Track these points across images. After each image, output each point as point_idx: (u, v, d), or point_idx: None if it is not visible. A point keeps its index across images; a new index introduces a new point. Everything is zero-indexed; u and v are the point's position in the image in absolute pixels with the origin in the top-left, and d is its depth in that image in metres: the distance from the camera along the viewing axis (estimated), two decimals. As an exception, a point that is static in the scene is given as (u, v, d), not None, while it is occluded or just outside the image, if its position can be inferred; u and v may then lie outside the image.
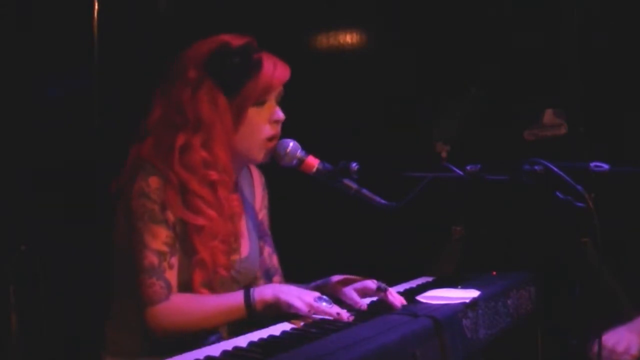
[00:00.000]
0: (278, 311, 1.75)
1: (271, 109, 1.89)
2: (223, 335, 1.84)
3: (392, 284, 2.18)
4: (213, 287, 1.82)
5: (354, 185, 1.86)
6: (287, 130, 1.93)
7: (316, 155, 1.91)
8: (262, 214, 2.15)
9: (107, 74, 2.92)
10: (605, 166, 1.71)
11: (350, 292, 1.93)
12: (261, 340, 1.58)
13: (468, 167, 1.81)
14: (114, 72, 2.93)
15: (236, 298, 1.76)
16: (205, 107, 1.81)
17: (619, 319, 2.35)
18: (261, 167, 2.12)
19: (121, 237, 1.83)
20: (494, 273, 2.41)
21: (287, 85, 1.92)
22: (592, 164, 1.71)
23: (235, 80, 1.83)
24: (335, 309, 1.73)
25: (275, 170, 1.97)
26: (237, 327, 1.82)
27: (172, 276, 1.76)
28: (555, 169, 1.66)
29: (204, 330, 1.78)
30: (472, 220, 2.91)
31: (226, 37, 1.87)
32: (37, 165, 2.70)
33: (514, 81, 2.90)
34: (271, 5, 3.18)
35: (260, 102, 1.86)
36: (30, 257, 2.58)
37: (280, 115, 1.90)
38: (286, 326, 1.69)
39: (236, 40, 1.86)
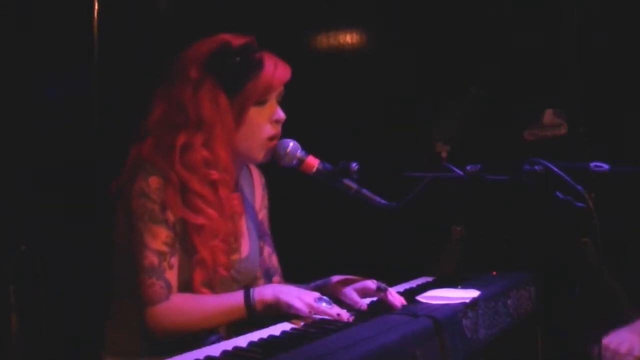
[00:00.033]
0: (278, 311, 1.75)
1: (272, 109, 1.89)
2: (223, 335, 1.84)
3: (392, 284, 2.18)
4: (213, 287, 1.82)
5: (354, 185, 1.86)
6: (287, 130, 1.93)
7: (316, 155, 1.91)
8: (262, 214, 2.15)
9: (107, 74, 2.92)
10: (605, 166, 1.71)
11: (350, 292, 1.93)
12: (261, 340, 1.58)
13: (468, 167, 1.81)
14: (114, 72, 2.93)
15: (236, 298, 1.76)
16: (207, 106, 1.82)
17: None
18: (261, 167, 2.13)
19: (121, 237, 1.83)
20: (494, 273, 2.41)
21: (288, 85, 1.92)
22: (592, 164, 1.71)
23: (236, 80, 1.83)
24: (335, 310, 1.73)
25: (275, 170, 1.97)
26: (237, 327, 1.83)
27: (172, 276, 1.76)
28: (555, 169, 1.66)
29: (204, 330, 1.78)
30: (472, 220, 2.91)
31: (227, 37, 1.87)
32: (37, 165, 2.70)
33: (514, 81, 2.90)
34: (271, 5, 3.18)
35: (261, 102, 1.87)
36: (30, 257, 2.58)
37: (281, 115, 1.90)
38: (286, 326, 1.69)
39: (237, 40, 1.86)
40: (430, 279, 2.43)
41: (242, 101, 1.84)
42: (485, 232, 2.87)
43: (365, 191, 1.85)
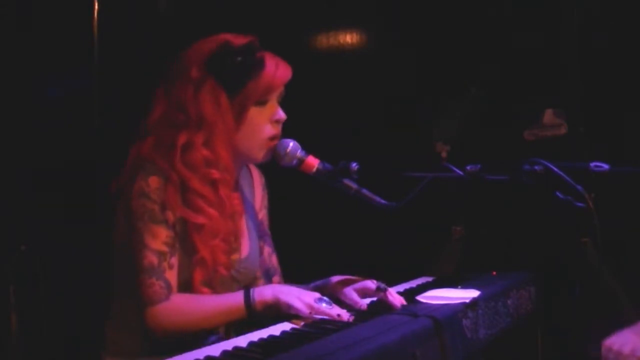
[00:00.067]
0: (278, 312, 1.75)
1: (273, 109, 1.89)
2: (223, 335, 1.84)
3: (392, 284, 2.18)
4: (213, 286, 1.82)
5: (354, 185, 1.86)
6: (287, 130, 1.93)
7: (316, 155, 1.91)
8: (262, 214, 2.15)
9: (107, 74, 2.92)
10: (605, 166, 1.71)
11: (350, 292, 1.93)
12: (261, 340, 1.58)
13: (468, 167, 1.81)
14: (114, 72, 2.93)
15: (236, 298, 1.76)
16: (208, 105, 1.82)
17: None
18: (261, 167, 2.13)
19: (121, 237, 1.83)
20: (494, 273, 2.41)
21: (288, 85, 1.92)
22: (592, 164, 1.71)
23: (237, 80, 1.83)
24: (335, 310, 1.73)
25: (275, 170, 1.97)
26: (237, 327, 1.83)
27: (172, 276, 1.76)
28: (555, 169, 1.66)
29: (204, 330, 1.78)
30: (472, 220, 2.91)
31: (228, 36, 1.87)
32: (37, 165, 2.70)
33: (514, 81, 2.90)
34: (271, 5, 3.18)
35: (262, 102, 1.86)
36: (30, 257, 2.58)
37: (281, 115, 1.90)
38: (286, 326, 1.69)
39: (238, 40, 1.86)
40: (430, 279, 2.43)
41: (242, 101, 1.84)
42: (485, 232, 2.88)
43: (365, 191, 1.85)
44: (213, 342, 1.68)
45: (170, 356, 1.46)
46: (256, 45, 1.88)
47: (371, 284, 1.92)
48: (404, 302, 1.88)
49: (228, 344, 1.54)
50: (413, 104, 3.08)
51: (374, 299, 1.93)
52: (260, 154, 1.90)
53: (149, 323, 1.73)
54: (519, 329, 2.28)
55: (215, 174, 1.82)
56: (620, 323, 2.24)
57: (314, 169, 1.89)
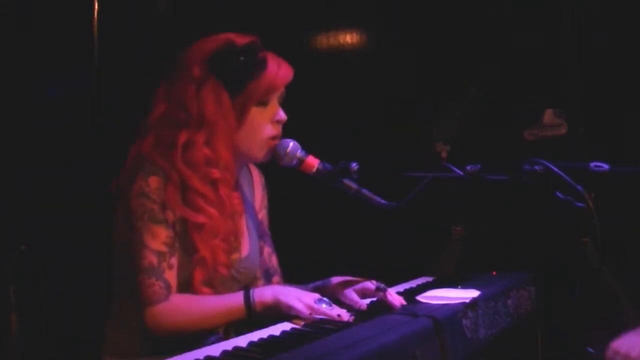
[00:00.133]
0: (278, 312, 1.75)
1: (274, 110, 1.89)
2: (223, 336, 1.84)
3: (392, 284, 2.19)
4: (214, 286, 1.82)
5: (354, 185, 1.86)
6: (287, 130, 1.93)
7: (316, 155, 1.91)
8: (262, 214, 2.15)
9: (107, 74, 2.92)
10: (605, 166, 1.71)
11: (349, 292, 1.93)
12: (261, 340, 1.58)
13: (468, 167, 1.81)
14: (114, 72, 2.93)
15: (236, 299, 1.76)
16: (209, 104, 1.81)
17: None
18: (261, 167, 2.13)
19: (121, 237, 1.83)
20: (494, 273, 2.41)
21: (288, 85, 1.92)
22: (592, 164, 1.71)
23: (239, 79, 1.83)
24: (335, 311, 1.73)
25: (275, 170, 1.97)
26: (237, 327, 1.83)
27: (171, 276, 1.76)
28: (555, 169, 1.66)
29: (204, 331, 1.78)
30: (472, 220, 2.91)
31: (231, 36, 1.87)
32: (37, 165, 2.70)
33: (514, 81, 2.90)
34: (271, 5, 3.18)
35: (263, 102, 1.86)
36: (30, 257, 2.58)
37: (282, 116, 1.90)
38: (286, 326, 1.69)
39: (241, 39, 1.86)
40: (430, 279, 2.43)
41: (244, 100, 1.84)
42: (485, 232, 2.87)
43: (365, 191, 1.85)
44: (213, 342, 1.68)
45: (170, 356, 1.46)
46: (258, 45, 1.88)
47: (370, 284, 1.92)
48: (404, 302, 1.88)
49: (228, 344, 1.54)
50: (413, 104, 3.08)
51: (374, 299, 1.93)
52: (260, 154, 1.90)
53: (149, 323, 1.73)
54: (519, 329, 2.28)
55: (216, 173, 1.82)
56: (620, 323, 2.24)
57: (314, 169, 1.89)
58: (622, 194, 2.35)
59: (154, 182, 1.77)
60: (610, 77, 2.70)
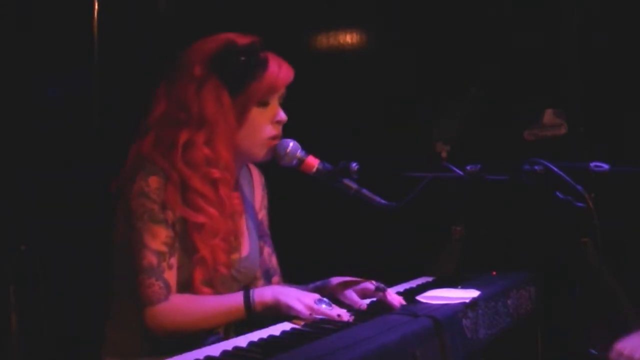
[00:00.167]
0: (278, 313, 1.75)
1: (274, 110, 1.89)
2: (223, 336, 1.84)
3: (392, 284, 2.19)
4: (214, 286, 1.82)
5: (354, 185, 1.86)
6: (287, 130, 1.93)
7: (316, 155, 1.91)
8: (262, 214, 2.15)
9: (107, 74, 2.92)
10: (605, 166, 1.71)
11: (349, 292, 1.93)
12: (261, 340, 1.58)
13: (468, 167, 1.81)
14: (114, 72, 2.93)
15: (236, 299, 1.76)
16: (210, 104, 1.81)
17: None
18: (261, 167, 2.13)
19: (121, 237, 1.83)
20: (494, 273, 2.41)
21: (288, 85, 1.92)
22: (592, 164, 1.71)
23: (240, 79, 1.82)
24: (335, 311, 1.73)
25: (275, 170, 1.97)
26: (237, 327, 1.83)
27: (171, 276, 1.76)
28: (555, 169, 1.66)
29: (204, 331, 1.78)
30: (472, 220, 2.91)
31: (232, 36, 1.87)
32: (37, 165, 2.70)
33: (514, 81, 2.90)
34: (271, 5, 3.18)
35: (263, 103, 1.86)
36: (30, 257, 2.58)
37: (282, 116, 1.90)
38: (286, 326, 1.69)
39: (242, 39, 1.86)
40: (430, 279, 2.43)
41: (244, 101, 1.84)
42: (485, 232, 2.87)
43: (365, 191, 1.85)
44: (212, 343, 1.68)
45: (170, 356, 1.46)
46: (259, 45, 1.88)
47: (370, 284, 1.92)
48: (403, 302, 1.88)
49: (228, 344, 1.54)
50: (413, 104, 3.08)
51: (374, 299, 1.93)
52: (261, 153, 1.90)
53: (148, 323, 1.73)
54: (519, 329, 2.28)
55: (216, 173, 1.82)
56: (620, 323, 2.24)
57: (314, 169, 1.89)
58: (622, 194, 2.35)
59: (154, 182, 1.76)
60: (610, 77, 2.70)
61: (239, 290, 1.86)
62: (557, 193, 1.69)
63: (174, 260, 1.77)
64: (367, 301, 1.91)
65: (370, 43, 3.33)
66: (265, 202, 2.17)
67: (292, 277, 2.16)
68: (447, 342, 1.68)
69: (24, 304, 2.52)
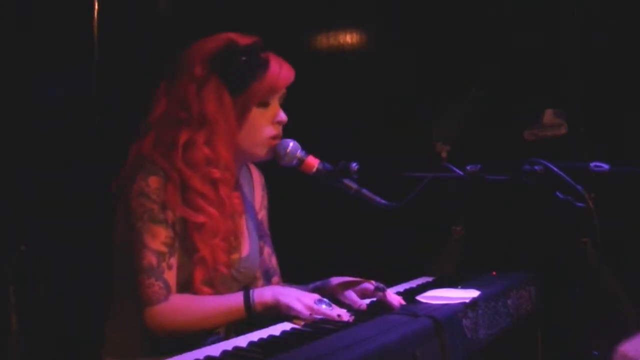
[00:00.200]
0: (278, 313, 1.75)
1: (274, 111, 1.89)
2: (223, 336, 1.84)
3: (392, 284, 2.19)
4: (214, 285, 1.82)
5: (354, 185, 1.86)
6: (287, 130, 1.93)
7: (316, 155, 1.91)
8: (262, 214, 2.15)
9: (107, 74, 2.92)
10: (605, 166, 1.71)
11: (349, 292, 1.93)
12: (261, 340, 1.58)
13: (468, 167, 1.81)
14: (114, 72, 2.93)
15: (235, 299, 1.76)
16: (211, 104, 1.81)
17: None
18: (261, 167, 2.13)
19: (121, 237, 1.83)
20: (494, 273, 2.41)
21: (288, 86, 1.92)
22: (592, 164, 1.71)
23: (241, 79, 1.82)
24: (335, 311, 1.73)
25: (275, 170, 1.97)
26: (237, 327, 1.82)
27: (171, 277, 1.76)
28: (555, 169, 1.66)
29: (204, 331, 1.78)
30: (472, 220, 2.91)
31: (233, 36, 1.86)
32: (37, 165, 2.70)
33: (514, 81, 2.90)
34: (271, 5, 3.18)
35: (264, 103, 1.86)
36: (30, 257, 2.58)
37: (283, 117, 1.90)
38: (286, 326, 1.69)
39: (243, 39, 1.86)
40: (430, 279, 2.43)
41: (245, 101, 1.84)
42: (485, 232, 2.87)
43: (365, 191, 1.85)
44: (212, 343, 1.68)
45: (170, 356, 1.46)
46: (261, 45, 1.87)
47: (370, 284, 1.92)
48: (403, 302, 1.88)
49: (228, 344, 1.54)
50: (413, 104, 3.08)
51: (373, 299, 1.93)
52: (262, 152, 1.90)
53: (148, 323, 1.73)
54: (519, 329, 2.28)
55: (216, 173, 1.82)
56: (620, 323, 2.24)
57: (314, 169, 1.89)
58: (622, 194, 2.35)
59: (153, 182, 1.76)
60: (610, 77, 2.70)
61: (239, 290, 1.86)
62: (557, 193, 1.69)
63: (173, 261, 1.77)
64: (367, 301, 1.91)
65: (370, 43, 3.33)
66: (265, 202, 2.17)
67: (292, 277, 2.16)
68: (447, 342, 1.68)
69: (24, 304, 2.52)
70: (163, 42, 2.96)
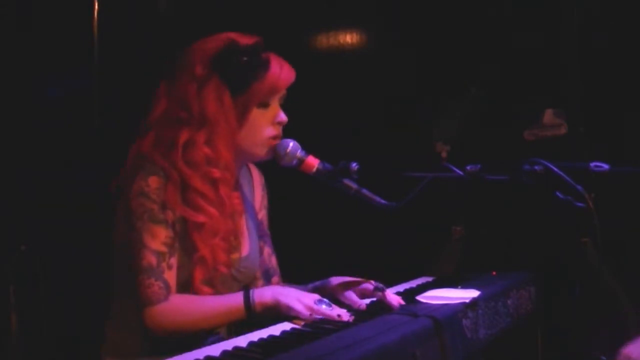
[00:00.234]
0: (278, 313, 1.75)
1: (275, 112, 1.89)
2: (223, 336, 1.84)
3: (392, 284, 2.19)
4: (214, 285, 1.82)
5: (354, 185, 1.86)
6: (288, 130, 1.93)
7: (316, 155, 1.91)
8: (262, 214, 2.15)
9: (107, 74, 2.92)
10: (605, 166, 1.71)
11: (349, 292, 1.93)
12: (261, 340, 1.58)
13: (468, 167, 1.81)
14: (114, 72, 2.93)
15: (235, 300, 1.76)
16: (211, 103, 1.81)
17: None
18: (261, 167, 2.13)
19: (121, 237, 1.83)
20: (494, 273, 2.41)
21: (288, 86, 1.92)
22: (592, 164, 1.71)
23: (242, 80, 1.82)
24: (335, 311, 1.73)
25: (275, 170, 1.97)
26: (237, 327, 1.82)
27: (171, 277, 1.76)
28: (555, 169, 1.66)
29: (204, 331, 1.77)
30: (472, 220, 2.91)
31: (234, 35, 1.86)
32: (37, 165, 2.70)
33: (514, 81, 2.90)
34: (271, 5, 3.18)
35: (264, 104, 1.86)
36: (30, 257, 2.58)
37: (283, 118, 1.90)
38: (286, 326, 1.69)
39: (244, 39, 1.86)
40: (430, 279, 2.43)
41: (246, 101, 1.83)
42: (485, 232, 2.87)
43: (365, 191, 1.85)
44: (212, 343, 1.68)
45: (170, 356, 1.46)
46: (262, 45, 1.87)
47: (369, 284, 1.92)
48: (402, 302, 1.87)
49: (228, 344, 1.54)
50: (413, 104, 3.08)
51: (373, 299, 1.93)
52: (262, 152, 1.90)
53: (148, 323, 1.73)
54: (519, 329, 2.28)
55: (216, 172, 1.82)
56: (620, 323, 2.24)
57: (314, 169, 1.89)
58: (622, 194, 2.35)
59: (153, 182, 1.76)
60: (610, 77, 2.70)
61: (239, 290, 1.86)
62: (557, 193, 1.69)
63: (173, 261, 1.77)
64: (367, 301, 1.91)
65: (370, 43, 3.33)
66: (265, 202, 2.17)
67: (292, 277, 2.16)
68: (447, 342, 1.68)
69: (24, 304, 2.52)
70: (163, 42, 2.96)
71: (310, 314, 1.72)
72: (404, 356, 1.50)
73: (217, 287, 1.83)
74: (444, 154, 2.96)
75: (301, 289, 1.90)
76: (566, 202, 1.67)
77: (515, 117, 2.87)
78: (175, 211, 1.78)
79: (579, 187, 1.62)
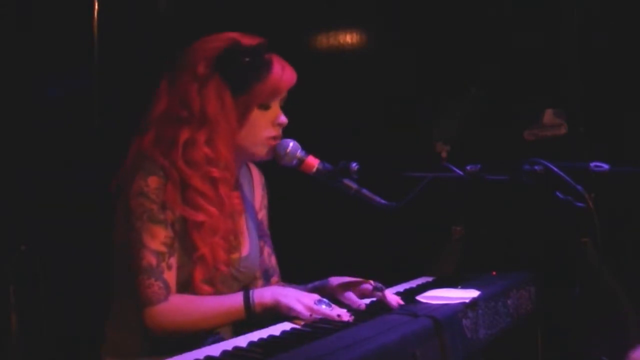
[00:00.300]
0: (277, 313, 1.75)
1: (275, 113, 1.89)
2: (223, 336, 1.84)
3: (392, 284, 2.19)
4: (214, 284, 1.82)
5: (354, 185, 1.86)
6: (287, 130, 1.93)
7: (316, 155, 1.91)
8: (262, 214, 2.15)
9: (107, 74, 2.92)
10: (605, 166, 1.71)
11: (348, 292, 1.93)
12: (261, 340, 1.58)
13: (468, 167, 1.81)
14: (114, 72, 2.93)
15: (235, 300, 1.76)
16: (212, 103, 1.81)
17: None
18: (261, 167, 2.13)
19: (121, 237, 1.83)
20: (494, 273, 2.41)
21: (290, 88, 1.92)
22: (592, 164, 1.71)
23: (244, 80, 1.82)
24: (335, 311, 1.73)
25: (275, 170, 1.97)
26: (237, 327, 1.83)
27: (170, 277, 1.76)
28: (555, 169, 1.66)
29: (203, 331, 1.77)
30: (472, 220, 2.91)
31: (236, 36, 1.86)
32: (37, 165, 2.70)
33: (514, 81, 2.90)
34: (271, 5, 3.18)
35: (265, 106, 1.86)
36: (30, 257, 2.58)
37: (283, 119, 1.90)
38: (286, 326, 1.69)
39: (246, 39, 1.86)
40: (430, 279, 2.43)
41: (246, 101, 1.84)
42: (485, 232, 2.87)
43: (365, 191, 1.85)
44: (212, 343, 1.68)
45: (170, 356, 1.46)
46: (264, 46, 1.87)
47: (368, 284, 1.92)
48: (401, 302, 1.87)
49: (228, 344, 1.54)
50: (413, 104, 3.08)
51: (373, 299, 1.93)
52: (262, 152, 1.91)
53: (148, 323, 1.73)
54: (519, 329, 2.28)
55: (216, 172, 1.82)
56: (620, 323, 2.24)
57: (314, 169, 1.89)
58: (622, 194, 2.35)
59: (153, 182, 1.76)
60: (610, 77, 2.69)
61: (239, 289, 1.86)
62: (557, 193, 1.69)
63: (173, 261, 1.77)
64: (367, 301, 1.91)
65: (370, 43, 3.33)
66: (265, 202, 2.17)
67: (292, 277, 2.16)
68: (447, 342, 1.68)
69: (24, 304, 2.53)
70: (163, 42, 2.96)
71: (310, 314, 1.72)
72: (404, 356, 1.50)
73: (217, 286, 1.84)
74: (444, 154, 2.96)
75: (301, 289, 1.90)
76: (566, 202, 1.67)
77: (515, 117, 2.87)
78: (174, 211, 1.78)
79: (579, 187, 1.62)
